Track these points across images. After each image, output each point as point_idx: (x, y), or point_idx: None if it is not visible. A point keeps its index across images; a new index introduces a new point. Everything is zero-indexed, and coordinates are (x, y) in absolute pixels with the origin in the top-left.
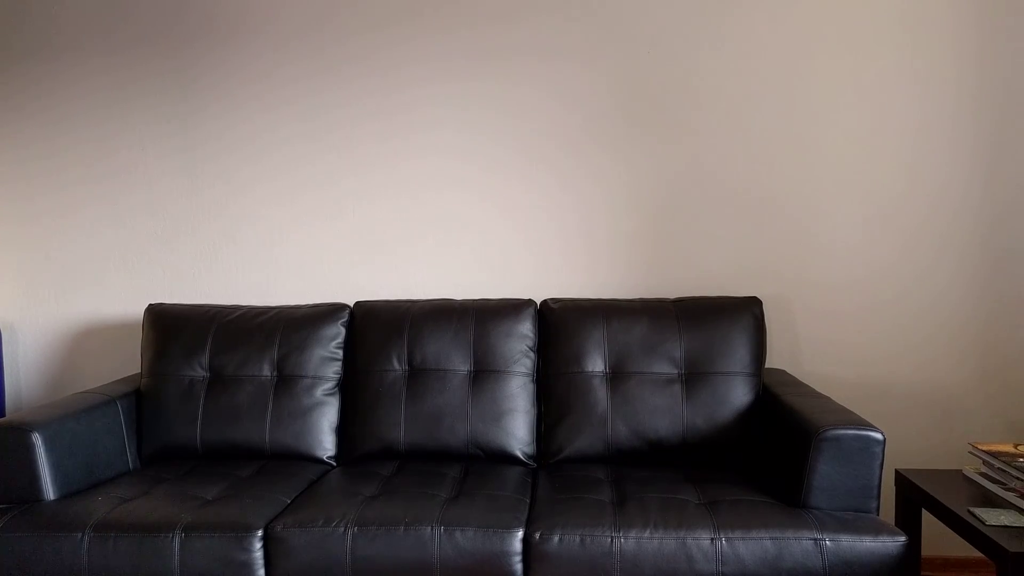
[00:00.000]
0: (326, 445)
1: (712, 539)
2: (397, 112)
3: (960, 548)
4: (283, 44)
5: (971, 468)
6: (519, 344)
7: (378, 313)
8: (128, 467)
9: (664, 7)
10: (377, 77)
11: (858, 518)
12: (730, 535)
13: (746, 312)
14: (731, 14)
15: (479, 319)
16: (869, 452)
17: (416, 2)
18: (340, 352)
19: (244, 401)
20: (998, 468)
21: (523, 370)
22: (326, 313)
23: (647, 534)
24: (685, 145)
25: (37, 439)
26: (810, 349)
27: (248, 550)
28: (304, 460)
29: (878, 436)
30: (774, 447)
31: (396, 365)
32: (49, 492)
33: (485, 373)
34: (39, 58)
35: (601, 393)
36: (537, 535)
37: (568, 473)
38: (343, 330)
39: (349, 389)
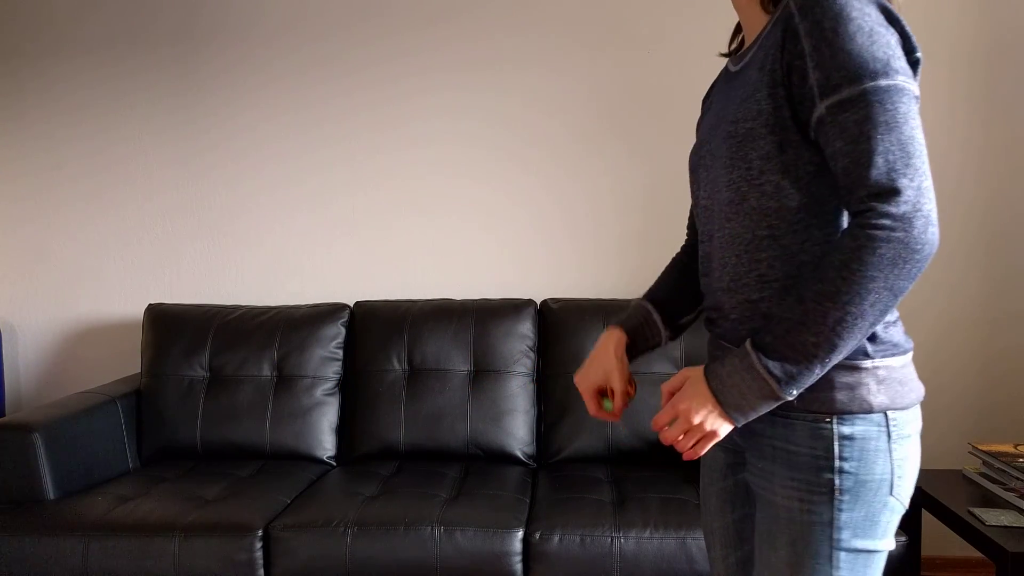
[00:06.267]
0: (326, 445)
1: None
2: (396, 107)
3: (960, 548)
4: (279, 38)
5: (971, 468)
6: (519, 344)
7: (378, 313)
8: (128, 467)
9: (662, 11)
10: (376, 70)
11: None
12: None
13: None
14: (728, 17)
15: (479, 319)
16: None
17: None
18: (340, 352)
19: (244, 401)
20: (998, 468)
21: (523, 370)
22: (326, 313)
23: (647, 534)
24: (686, 145)
25: (37, 439)
26: None
27: (248, 550)
28: (304, 460)
29: None
30: None
31: (396, 365)
32: (49, 492)
33: (485, 373)
34: (36, 54)
35: None
36: (537, 535)
37: (568, 473)
38: (343, 330)
39: (349, 389)
